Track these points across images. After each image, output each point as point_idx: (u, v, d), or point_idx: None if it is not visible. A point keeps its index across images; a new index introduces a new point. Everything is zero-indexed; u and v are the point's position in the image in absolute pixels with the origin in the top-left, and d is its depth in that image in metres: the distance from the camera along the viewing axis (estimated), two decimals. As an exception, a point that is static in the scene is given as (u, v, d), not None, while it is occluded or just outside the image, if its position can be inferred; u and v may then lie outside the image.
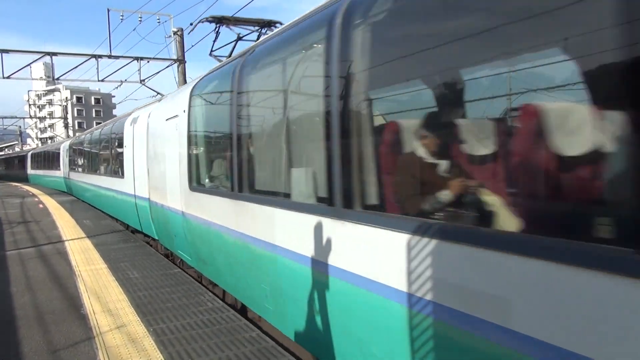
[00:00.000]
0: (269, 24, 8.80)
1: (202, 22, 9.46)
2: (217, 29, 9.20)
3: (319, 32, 3.72)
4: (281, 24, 7.88)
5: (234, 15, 9.06)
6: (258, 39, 8.40)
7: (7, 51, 17.05)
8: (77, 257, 8.87)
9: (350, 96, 3.34)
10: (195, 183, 6.75)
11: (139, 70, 19.17)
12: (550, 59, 2.49)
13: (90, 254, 9.16)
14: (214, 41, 9.13)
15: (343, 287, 3.41)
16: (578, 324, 1.91)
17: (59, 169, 26.27)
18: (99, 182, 15.30)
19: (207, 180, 6.54)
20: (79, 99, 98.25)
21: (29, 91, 77.91)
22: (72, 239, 10.83)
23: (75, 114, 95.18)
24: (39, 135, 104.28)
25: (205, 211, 6.25)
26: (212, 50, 9.20)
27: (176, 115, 7.63)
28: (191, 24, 12.44)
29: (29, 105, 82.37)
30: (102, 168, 15.37)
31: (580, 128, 2.30)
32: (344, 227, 3.32)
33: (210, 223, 6.02)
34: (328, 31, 3.51)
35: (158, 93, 18.11)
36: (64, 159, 24.68)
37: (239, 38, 9.04)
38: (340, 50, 3.36)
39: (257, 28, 9.11)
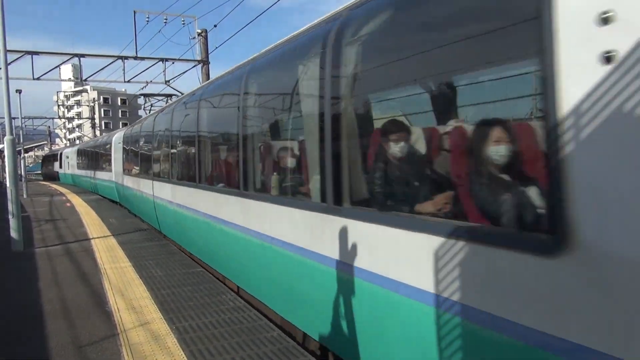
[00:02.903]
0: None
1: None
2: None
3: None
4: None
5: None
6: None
7: (37, 53, 17.52)
8: (102, 254, 9.03)
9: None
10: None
11: (164, 71, 19.48)
12: None
13: (115, 252, 9.32)
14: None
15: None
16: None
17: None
18: None
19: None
20: (105, 100, 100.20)
21: (57, 92, 79.89)
22: (97, 237, 11.04)
23: (102, 115, 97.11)
24: (67, 136, 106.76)
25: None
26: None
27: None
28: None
29: (58, 105, 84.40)
30: None
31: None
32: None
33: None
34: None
35: (182, 94, 18.33)
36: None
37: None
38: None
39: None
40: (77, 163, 33.56)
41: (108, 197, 21.41)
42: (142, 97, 18.69)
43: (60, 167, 43.19)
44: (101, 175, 23.03)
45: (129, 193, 15.40)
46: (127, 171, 15.75)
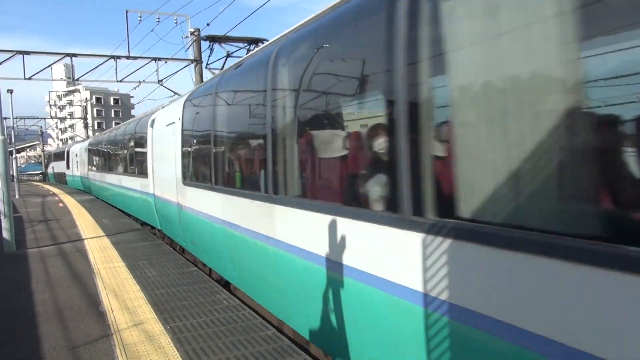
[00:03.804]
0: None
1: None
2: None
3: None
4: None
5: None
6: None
7: (28, 53, 17.38)
8: (95, 255, 8.99)
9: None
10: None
11: (157, 70, 19.39)
12: None
13: (108, 252, 9.28)
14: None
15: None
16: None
17: None
18: None
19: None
20: (98, 100, 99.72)
21: (49, 92, 79.35)
22: (91, 238, 10.99)
23: (95, 114, 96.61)
24: (60, 136, 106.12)
25: None
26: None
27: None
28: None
29: (50, 105, 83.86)
30: None
31: None
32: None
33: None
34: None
35: (175, 93, 18.30)
36: None
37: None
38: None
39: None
40: (90, 163, 24.25)
41: (139, 218, 13.35)
42: (208, 41, 10.62)
43: (68, 167, 33.70)
44: (128, 182, 14.05)
45: (216, 232, 6.74)
46: (202, 178, 7.39)
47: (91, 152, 23.78)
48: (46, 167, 53.81)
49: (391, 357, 3.19)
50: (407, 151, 2.82)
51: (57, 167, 40.65)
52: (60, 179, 38.88)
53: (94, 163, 22.82)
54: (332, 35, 4.05)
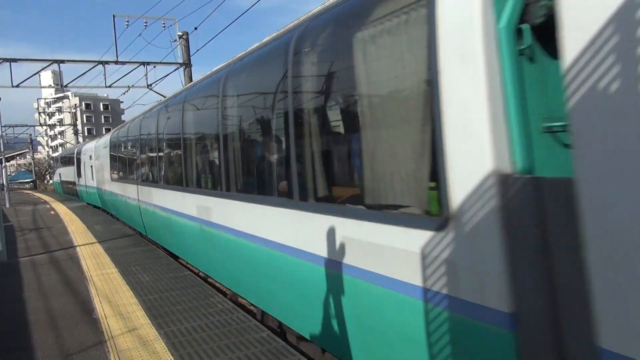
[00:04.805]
0: None
1: None
2: None
3: None
4: None
5: None
6: None
7: (15, 60, 17.28)
8: (88, 262, 8.94)
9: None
10: None
11: (146, 75, 19.32)
12: None
13: (101, 258, 9.24)
14: None
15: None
16: None
17: None
18: None
19: None
20: (87, 106, 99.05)
21: (38, 99, 78.81)
22: (83, 244, 10.92)
23: (85, 121, 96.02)
24: (50, 143, 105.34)
25: None
26: None
27: None
28: None
29: (39, 113, 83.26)
30: None
31: None
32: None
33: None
34: None
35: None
36: None
37: None
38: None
39: None
40: (113, 170, 14.56)
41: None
42: None
43: (79, 174, 24.14)
44: (239, 218, 5.39)
45: None
46: None
47: (113, 155, 14.59)
48: (45, 175, 49.06)
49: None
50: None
51: (66, 174, 30.11)
52: (70, 191, 29.06)
53: (120, 168, 13.68)
54: None
